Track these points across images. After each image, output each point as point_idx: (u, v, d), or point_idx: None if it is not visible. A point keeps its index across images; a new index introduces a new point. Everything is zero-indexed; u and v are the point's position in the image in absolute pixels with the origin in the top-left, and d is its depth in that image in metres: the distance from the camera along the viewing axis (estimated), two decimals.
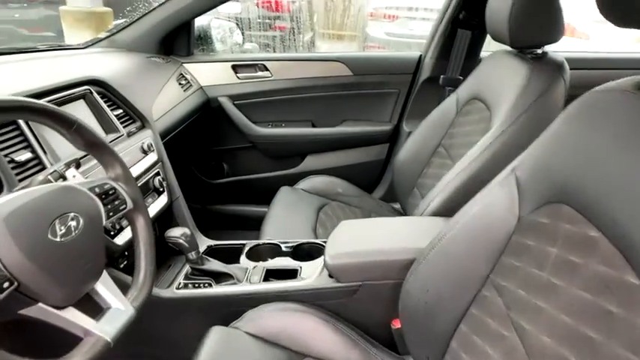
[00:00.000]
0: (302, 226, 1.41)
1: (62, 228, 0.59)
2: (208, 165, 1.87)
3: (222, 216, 1.88)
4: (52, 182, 0.76)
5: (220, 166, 1.88)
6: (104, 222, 0.69)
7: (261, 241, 1.19)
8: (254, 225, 1.85)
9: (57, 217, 0.59)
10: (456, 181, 1.09)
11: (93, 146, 0.72)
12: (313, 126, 1.83)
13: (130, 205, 0.75)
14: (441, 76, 1.68)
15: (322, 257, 1.04)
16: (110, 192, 0.72)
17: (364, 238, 1.01)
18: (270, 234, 1.35)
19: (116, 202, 0.72)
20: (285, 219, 1.44)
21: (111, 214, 0.71)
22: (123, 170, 0.75)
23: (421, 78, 1.73)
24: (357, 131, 1.81)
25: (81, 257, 0.61)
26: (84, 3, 5.02)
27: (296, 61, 1.78)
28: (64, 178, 0.77)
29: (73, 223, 0.61)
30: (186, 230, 1.00)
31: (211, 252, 1.19)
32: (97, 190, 0.70)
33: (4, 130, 0.81)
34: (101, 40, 1.59)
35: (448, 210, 1.08)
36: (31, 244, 0.55)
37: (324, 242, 1.13)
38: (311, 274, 1.02)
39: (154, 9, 1.58)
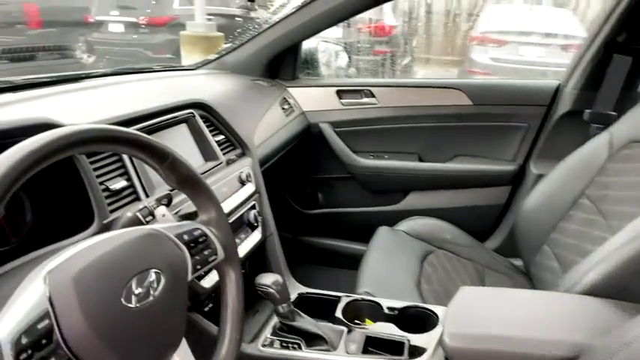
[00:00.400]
0: (404, 278, 1.21)
1: (139, 289, 0.48)
2: (302, 193, 1.77)
3: (314, 249, 1.75)
4: (140, 220, 0.67)
5: (315, 195, 1.76)
6: (189, 277, 0.57)
7: (359, 297, 1.02)
8: (346, 263, 1.70)
9: (135, 275, 0.48)
10: (627, 250, 0.82)
11: (187, 183, 0.61)
12: (420, 160, 1.64)
13: (221, 255, 0.63)
14: (587, 111, 1.39)
15: (436, 331, 0.84)
16: (200, 239, 0.61)
17: (496, 317, 0.79)
18: (367, 284, 1.17)
19: (205, 252, 0.61)
20: (384, 267, 1.26)
21: (198, 266, 0.59)
22: (217, 214, 0.64)
23: (559, 111, 1.46)
24: (473, 169, 1.57)
25: (157, 327, 0.50)
26: (200, 28, 5.47)
27: (406, 87, 1.62)
28: (153, 216, 0.68)
29: (152, 283, 0.50)
30: (278, 278, 0.86)
31: (302, 300, 1.05)
32: (185, 237, 0.58)
33: (102, 156, 0.76)
34: (210, 61, 1.58)
35: (613, 289, 0.82)
36: (101, 313, 0.44)
37: (438, 311, 0.93)
38: (422, 352, 0.82)
39: (263, 31, 1.53)
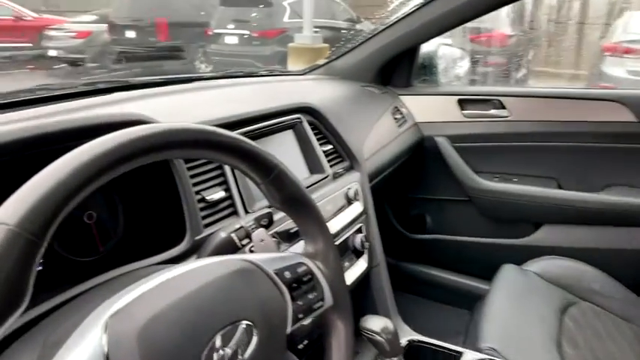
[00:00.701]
0: (540, 336, 0.96)
1: (225, 349, 0.35)
2: (407, 215, 1.58)
3: (417, 279, 1.55)
4: (235, 243, 0.56)
5: (422, 218, 1.56)
6: (288, 330, 0.44)
7: (486, 357, 0.81)
8: (456, 300, 1.47)
9: (221, 330, 0.35)
10: None
11: (293, 205, 0.48)
12: (559, 187, 1.35)
13: (328, 301, 0.49)
14: None
15: None
16: (305, 279, 0.47)
17: None
18: (492, 337, 0.95)
19: (310, 296, 0.47)
20: (513, 317, 1.02)
21: (300, 315, 0.45)
22: (326, 246, 0.50)
23: None
24: (631, 204, 1.25)
25: None
26: (306, 40, 5.58)
27: (548, 98, 1.35)
28: (250, 239, 0.56)
29: (242, 339, 0.36)
30: (389, 324, 0.70)
31: (412, 349, 0.87)
32: (287, 274, 0.45)
33: (200, 162, 0.67)
34: (319, 66, 1.49)
35: None
36: None
37: None
38: None
39: (376, 34, 1.39)
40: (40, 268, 0.56)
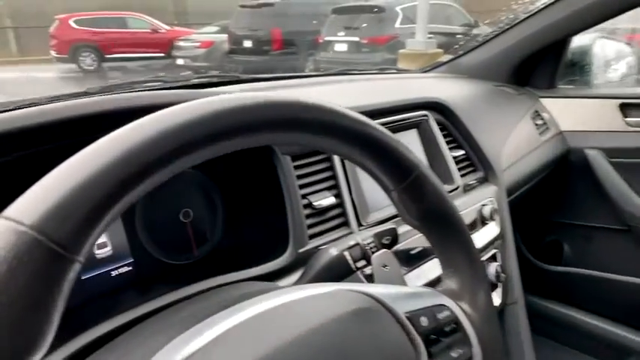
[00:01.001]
0: None
1: None
2: (539, 241, 1.32)
3: (546, 318, 1.28)
4: (348, 263, 0.43)
5: (559, 246, 1.29)
6: None
7: None
8: (601, 351, 1.18)
9: None
10: None
11: (434, 221, 0.34)
12: None
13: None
14: None
15: None
16: (447, 328, 0.33)
17: None
18: None
19: (453, 354, 0.32)
20: None
21: None
22: (476, 282, 0.35)
23: None
24: None
25: None
26: (419, 46, 5.36)
27: None
28: (368, 262, 0.43)
29: None
30: None
31: None
32: (423, 320, 0.32)
33: (309, 158, 0.56)
34: (442, 64, 1.32)
35: None
36: None
37: None
38: None
39: (513, 26, 1.18)
40: (130, 268, 0.50)
